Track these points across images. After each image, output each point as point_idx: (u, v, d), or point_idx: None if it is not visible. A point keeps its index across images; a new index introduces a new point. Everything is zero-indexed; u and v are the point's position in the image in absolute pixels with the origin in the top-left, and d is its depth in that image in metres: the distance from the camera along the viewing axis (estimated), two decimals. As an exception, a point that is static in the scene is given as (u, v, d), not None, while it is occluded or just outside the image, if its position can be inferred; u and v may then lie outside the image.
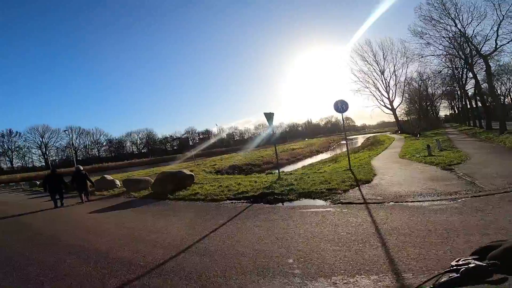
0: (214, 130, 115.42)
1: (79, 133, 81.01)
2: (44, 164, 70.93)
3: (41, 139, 74.34)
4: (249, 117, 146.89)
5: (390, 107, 46.45)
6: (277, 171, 12.24)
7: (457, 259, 0.73)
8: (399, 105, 47.33)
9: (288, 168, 21.17)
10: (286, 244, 4.06)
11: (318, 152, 39.10)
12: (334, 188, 7.46)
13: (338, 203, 6.20)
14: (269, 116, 11.19)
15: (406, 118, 50.73)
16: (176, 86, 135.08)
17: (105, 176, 16.27)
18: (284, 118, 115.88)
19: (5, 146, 70.03)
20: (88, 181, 12.26)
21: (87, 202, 11.39)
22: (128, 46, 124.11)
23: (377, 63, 44.76)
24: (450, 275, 0.69)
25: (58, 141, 77.48)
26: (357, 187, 7.42)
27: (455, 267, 0.70)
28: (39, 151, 74.88)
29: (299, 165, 24.74)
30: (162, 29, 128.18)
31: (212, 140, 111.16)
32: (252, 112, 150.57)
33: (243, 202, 7.64)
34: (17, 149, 71.80)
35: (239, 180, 11.45)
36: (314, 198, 7.04)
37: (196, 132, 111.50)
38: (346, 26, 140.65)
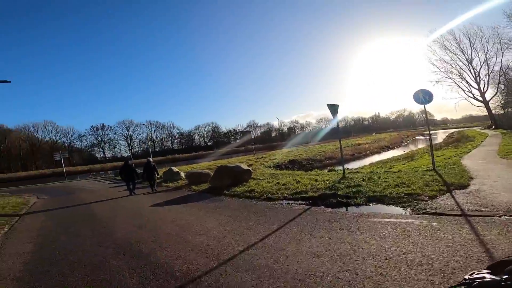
0: (275, 124, 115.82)
1: (156, 127, 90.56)
2: (130, 154, 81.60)
3: (127, 132, 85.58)
4: (311, 110, 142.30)
5: (481, 99, 39.43)
6: (340, 167, 11.02)
7: (470, 273, 0.71)
8: (492, 97, 39.65)
9: (352, 165, 19.31)
10: (351, 265, 3.15)
11: (388, 148, 35.25)
12: (416, 193, 6.04)
13: (423, 213, 4.89)
14: (333, 108, 9.99)
15: (502, 112, 42.04)
16: (240, 81, 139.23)
17: (172, 168, 17.28)
18: (349, 112, 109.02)
19: (99, 138, 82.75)
20: (156, 173, 13.10)
21: (154, 192, 12.18)
22: (195, 45, 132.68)
23: (462, 52, 38.68)
24: None
25: (140, 134, 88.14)
26: (449, 193, 5.85)
27: (468, 281, 0.68)
28: (126, 142, 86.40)
29: (366, 162, 22.49)
30: (227, 26, 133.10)
31: (273, 134, 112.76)
32: (314, 105, 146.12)
33: (301, 204, 6.82)
34: (109, 140, 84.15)
35: (298, 177, 10.61)
36: (388, 204, 5.80)
37: (258, 125, 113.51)
38: (422, 14, 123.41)
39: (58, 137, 74.52)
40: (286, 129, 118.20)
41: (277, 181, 10.20)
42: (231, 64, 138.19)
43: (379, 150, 32.58)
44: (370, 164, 18.47)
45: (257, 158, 29.04)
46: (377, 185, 7.34)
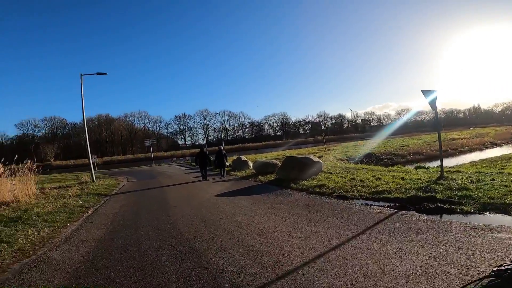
0: (348, 115, 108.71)
1: (229, 116, 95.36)
2: (205, 142, 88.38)
3: (203, 121, 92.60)
4: (389, 101, 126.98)
5: None
6: (430, 165, 9.10)
7: (499, 264, 0.70)
8: None
9: (446, 163, 16.18)
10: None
11: (493, 144, 28.89)
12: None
13: None
14: (430, 95, 8.06)
15: None
16: (310, 71, 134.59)
17: (240, 157, 17.44)
18: (439, 103, 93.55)
19: (181, 126, 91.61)
20: (225, 160, 14.03)
21: (222, 180, 12.48)
22: (270, 40, 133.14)
23: None
24: (491, 279, 0.67)
25: (215, 123, 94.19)
26: None
27: (496, 272, 0.68)
28: (202, 130, 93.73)
29: (464, 159, 18.65)
30: (300, 16, 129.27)
31: (345, 125, 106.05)
32: (393, 96, 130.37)
33: (384, 207, 5.63)
34: (188, 129, 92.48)
35: (377, 174, 9.17)
36: (515, 217, 4.23)
37: (329, 116, 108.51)
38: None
39: (149, 125, 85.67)
40: (360, 120, 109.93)
41: (352, 177, 8.99)
42: (302, 53, 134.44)
43: (481, 147, 26.95)
44: (471, 162, 15.13)
45: (328, 149, 27.37)
46: (493, 189, 5.57)
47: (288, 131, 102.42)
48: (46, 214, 6.87)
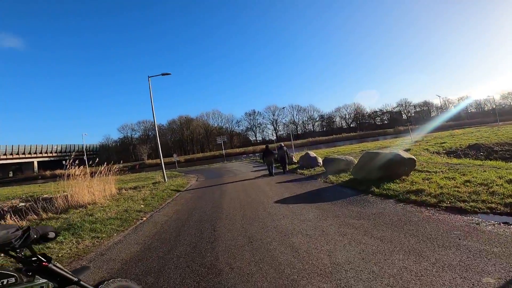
0: (436, 102, 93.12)
1: (298, 110, 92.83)
2: (275, 138, 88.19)
3: (272, 116, 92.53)
4: (490, 81, 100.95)
5: None
6: None
7: None
8: None
9: None
10: None
11: None
12: None
13: None
14: None
15: None
16: (388, 55, 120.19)
17: (308, 152, 15.60)
18: None
19: (251, 122, 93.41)
20: (287, 156, 14.25)
21: (288, 178, 11.61)
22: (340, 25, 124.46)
23: None
24: None
25: (284, 118, 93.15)
26: None
27: None
28: (272, 126, 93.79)
29: None
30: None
31: (433, 113, 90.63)
32: (495, 75, 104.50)
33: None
34: (258, 125, 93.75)
35: (506, 173, 6.27)
36: None
37: (411, 104, 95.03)
38: None
39: (222, 123, 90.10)
40: (453, 107, 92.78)
41: (465, 178, 6.34)
42: (376, 36, 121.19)
43: None
44: None
45: (416, 141, 22.92)
46: None
47: (363, 122, 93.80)
48: (104, 221, 6.61)
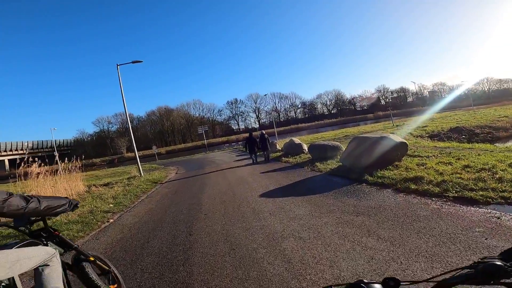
0: (412, 88, 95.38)
1: (280, 98, 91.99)
2: (258, 126, 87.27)
3: (255, 104, 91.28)
4: (461, 69, 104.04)
5: None
6: None
7: (482, 257, 0.66)
8: None
9: None
10: None
11: None
12: None
13: None
14: None
15: None
16: (364, 44, 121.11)
17: (293, 139, 14.94)
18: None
19: (233, 111, 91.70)
20: (268, 144, 13.78)
21: (272, 167, 10.92)
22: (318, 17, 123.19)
23: None
24: (468, 271, 0.65)
25: (266, 106, 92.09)
26: None
27: (475, 264, 0.64)
28: (254, 114, 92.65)
29: None
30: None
31: (409, 99, 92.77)
32: (468, 63, 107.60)
33: None
34: (241, 113, 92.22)
35: (501, 156, 5.87)
36: None
37: (389, 90, 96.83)
38: None
39: (204, 112, 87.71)
40: (427, 92, 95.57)
41: (463, 162, 5.87)
42: (355, 26, 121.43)
43: None
44: None
45: (396, 125, 22.93)
46: None
47: (343, 109, 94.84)
48: (61, 225, 5.64)
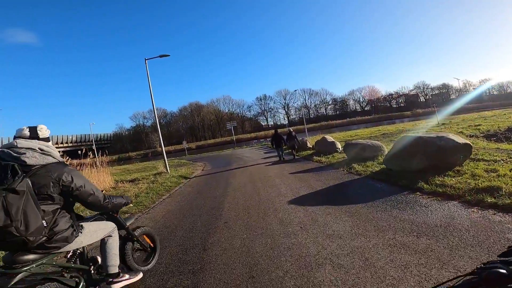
0: (455, 84, 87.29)
1: (309, 94, 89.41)
2: (287, 121, 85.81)
3: (284, 101, 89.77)
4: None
5: None
6: None
7: (485, 261, 0.67)
8: None
9: None
10: None
11: None
12: None
13: None
14: None
15: None
16: (406, 40, 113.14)
17: (325, 136, 13.81)
18: None
19: (262, 107, 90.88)
20: (295, 142, 13.49)
21: (303, 167, 10.04)
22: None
23: None
24: (473, 277, 0.64)
25: (295, 102, 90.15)
26: None
27: (479, 270, 0.63)
28: (284, 110, 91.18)
29: None
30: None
31: (452, 96, 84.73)
32: None
33: None
34: (269, 109, 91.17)
35: None
36: None
37: (430, 87, 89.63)
38: None
39: (233, 108, 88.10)
40: (473, 89, 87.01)
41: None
42: (393, 17, 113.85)
43: None
44: None
45: (442, 123, 20.57)
46: None
47: (378, 105, 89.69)
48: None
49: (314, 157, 11.73)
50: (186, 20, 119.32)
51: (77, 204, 2.24)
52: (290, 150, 13.82)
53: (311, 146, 15.15)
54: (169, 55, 13.80)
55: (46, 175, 1.87)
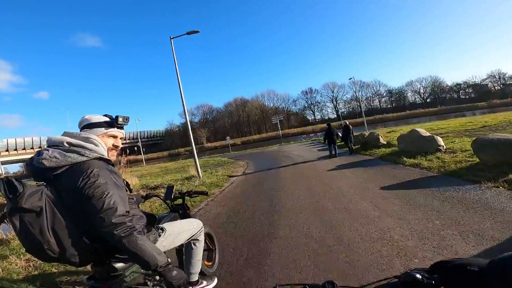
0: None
1: (360, 86, 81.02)
2: (336, 116, 79.40)
3: (332, 94, 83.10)
4: None
5: None
6: None
7: (412, 269, 0.68)
8: None
9: None
10: None
11: None
12: None
13: None
14: None
15: None
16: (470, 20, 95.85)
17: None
18: None
19: (308, 101, 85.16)
20: (351, 136, 12.39)
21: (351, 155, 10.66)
22: None
23: None
24: (394, 280, 0.68)
25: (344, 95, 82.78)
26: None
27: (401, 275, 0.66)
28: (332, 104, 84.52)
29: None
30: None
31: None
32: None
33: None
34: (316, 103, 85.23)
35: None
36: None
37: (506, 76, 74.24)
38: None
39: (278, 103, 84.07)
40: None
41: None
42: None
43: None
44: None
45: None
46: None
47: (443, 97, 77.51)
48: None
49: (403, 158, 7.76)
50: (231, 17, 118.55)
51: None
52: (348, 145, 12.40)
53: (385, 143, 11.07)
54: (198, 31, 10.85)
55: (71, 180, 1.32)
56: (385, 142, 11.09)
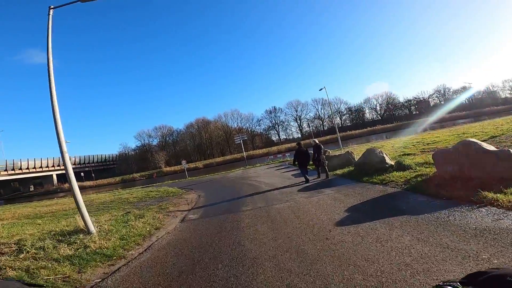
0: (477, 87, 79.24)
1: (322, 104, 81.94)
2: (300, 135, 78.60)
3: (295, 113, 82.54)
4: None
5: None
6: None
7: (445, 281, 0.67)
8: None
9: None
10: None
11: None
12: None
13: None
14: None
15: None
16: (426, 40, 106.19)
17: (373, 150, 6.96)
18: None
19: (273, 120, 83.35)
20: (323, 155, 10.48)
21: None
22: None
23: None
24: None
25: (307, 113, 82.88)
26: None
27: (435, 287, 0.65)
28: (296, 123, 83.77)
29: None
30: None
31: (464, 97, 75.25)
32: None
33: None
34: (281, 122, 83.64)
35: None
36: None
37: (451, 90, 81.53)
38: None
39: (242, 123, 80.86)
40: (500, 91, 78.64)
41: None
42: (414, 17, 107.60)
43: None
44: None
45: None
46: None
47: (397, 114, 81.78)
48: None
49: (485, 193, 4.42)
50: (189, 32, 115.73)
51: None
52: (317, 168, 10.63)
53: (392, 164, 7.86)
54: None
55: None
56: (392, 163, 7.85)
